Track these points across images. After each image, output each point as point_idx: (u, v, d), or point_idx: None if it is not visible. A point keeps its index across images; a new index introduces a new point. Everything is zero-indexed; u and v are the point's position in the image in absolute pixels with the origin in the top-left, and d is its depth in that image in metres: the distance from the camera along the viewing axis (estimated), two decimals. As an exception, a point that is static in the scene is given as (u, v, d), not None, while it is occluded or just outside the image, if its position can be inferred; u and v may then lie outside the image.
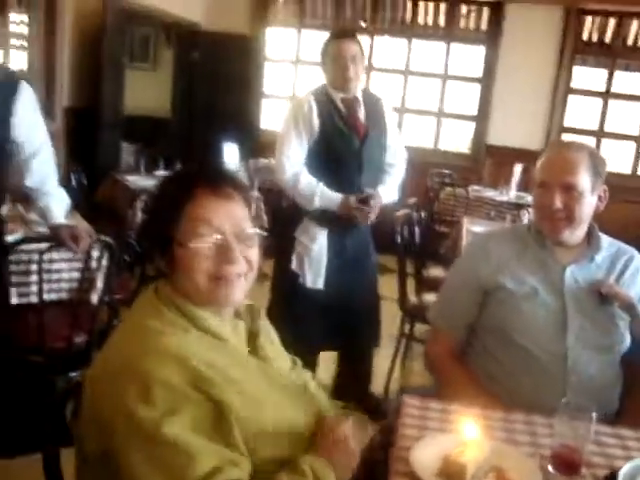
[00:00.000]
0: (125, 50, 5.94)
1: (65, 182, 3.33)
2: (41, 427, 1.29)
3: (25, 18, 5.00)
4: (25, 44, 5.04)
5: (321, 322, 2.97)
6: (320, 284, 2.92)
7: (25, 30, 5.05)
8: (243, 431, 1.13)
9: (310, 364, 3.08)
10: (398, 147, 3.10)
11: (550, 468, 1.30)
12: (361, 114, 2.93)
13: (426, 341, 2.10)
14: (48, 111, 5.08)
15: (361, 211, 2.83)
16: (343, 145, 2.87)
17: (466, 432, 1.27)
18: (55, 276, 2.82)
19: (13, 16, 4.98)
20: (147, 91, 7.83)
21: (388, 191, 3.00)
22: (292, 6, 7.23)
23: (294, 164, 2.88)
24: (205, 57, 7.16)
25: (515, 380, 1.79)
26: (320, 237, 2.91)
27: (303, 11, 7.17)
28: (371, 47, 7.02)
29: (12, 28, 5.02)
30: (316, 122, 2.86)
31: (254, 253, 1.26)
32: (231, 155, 5.58)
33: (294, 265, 2.96)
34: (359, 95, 2.93)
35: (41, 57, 4.99)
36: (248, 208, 1.28)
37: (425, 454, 1.28)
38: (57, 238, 2.53)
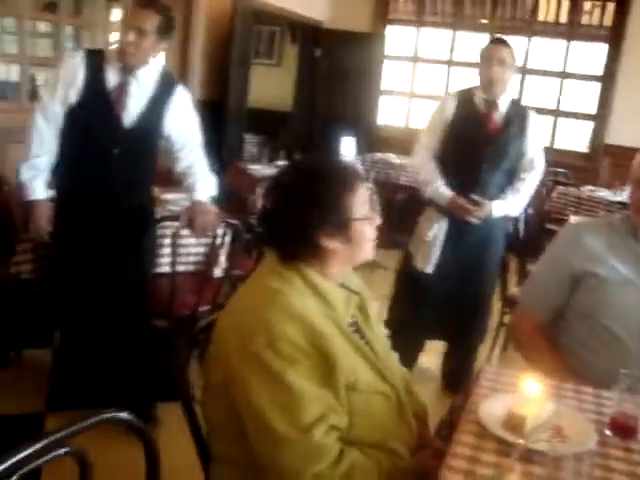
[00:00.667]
0: (251, 47, 6.32)
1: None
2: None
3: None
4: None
5: (430, 307, 3.13)
6: (429, 268, 3.09)
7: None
8: (344, 379, 1.35)
9: (415, 349, 3.32)
10: (536, 159, 3.15)
11: (607, 431, 1.46)
12: (498, 117, 3.07)
13: (513, 316, 2.25)
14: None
15: (466, 211, 3.00)
16: (470, 142, 3.03)
17: (529, 389, 1.44)
18: (184, 250, 3.19)
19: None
20: (271, 86, 8.26)
21: (505, 206, 3.09)
22: (412, 4, 7.39)
23: (424, 152, 3.13)
24: (327, 54, 7.50)
25: (598, 360, 1.89)
26: (438, 223, 3.09)
27: (422, 9, 7.31)
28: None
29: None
30: (449, 117, 3.08)
31: None
32: (348, 148, 5.83)
33: (410, 246, 3.19)
34: (503, 100, 3.06)
35: (177, 55, 5.48)
36: None
37: (492, 408, 1.47)
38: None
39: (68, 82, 2.63)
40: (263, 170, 5.08)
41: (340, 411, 1.34)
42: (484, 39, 7.13)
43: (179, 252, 3.15)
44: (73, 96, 2.64)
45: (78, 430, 1.08)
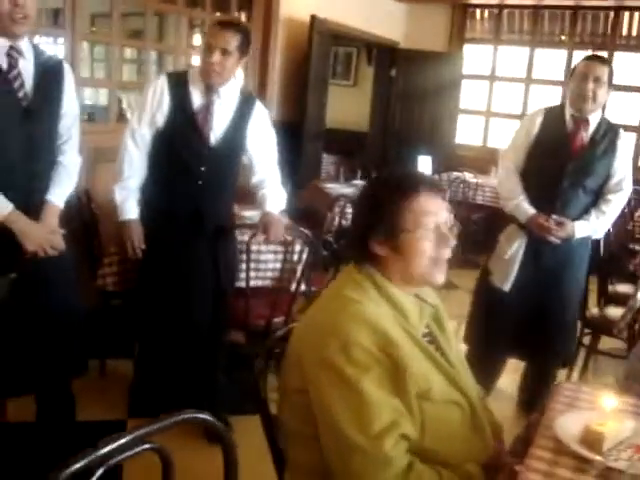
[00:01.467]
0: (329, 68, 6.43)
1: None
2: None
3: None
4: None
5: (508, 326, 3.07)
6: (507, 286, 3.04)
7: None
8: (415, 387, 1.37)
9: (495, 368, 3.27)
10: (624, 181, 3.04)
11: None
12: (585, 135, 2.98)
13: None
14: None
15: (547, 231, 2.93)
16: (553, 158, 2.97)
17: (607, 406, 1.41)
18: (262, 265, 3.28)
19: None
20: (348, 106, 8.35)
21: (588, 228, 3.00)
22: (489, 23, 7.35)
23: (507, 167, 3.10)
24: (402, 74, 7.54)
25: None
26: (518, 240, 3.03)
27: (500, 27, 7.26)
28: (569, 60, 6.93)
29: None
30: (535, 133, 3.03)
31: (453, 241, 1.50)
32: (424, 167, 5.83)
33: (489, 263, 3.17)
34: (594, 118, 2.98)
35: (256, 76, 5.64)
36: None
37: (569, 423, 1.45)
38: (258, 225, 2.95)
39: (155, 106, 2.75)
40: (340, 189, 5.16)
41: (411, 420, 1.35)
42: (563, 56, 7.03)
43: (258, 267, 3.26)
44: (160, 119, 2.76)
45: (160, 428, 1.13)
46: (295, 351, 1.46)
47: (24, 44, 2.23)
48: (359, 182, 5.72)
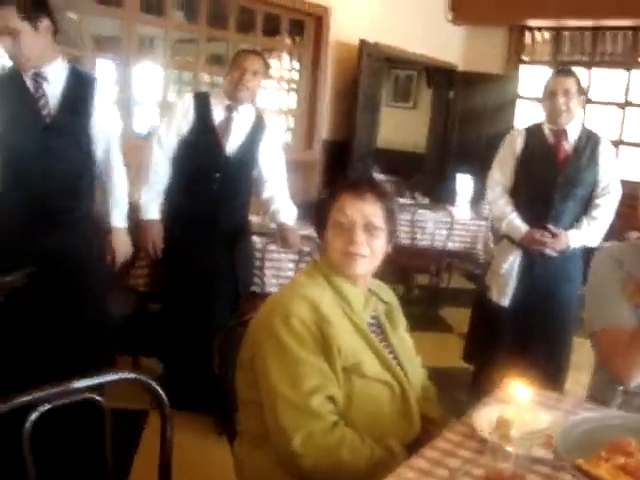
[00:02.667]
0: (381, 91, 6.60)
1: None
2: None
3: (296, 65, 5.97)
4: (295, 87, 6.01)
5: (507, 344, 3.11)
6: (505, 302, 3.10)
7: (296, 76, 6.02)
8: (343, 360, 1.54)
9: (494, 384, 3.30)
10: (611, 185, 3.08)
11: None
12: (568, 146, 3.07)
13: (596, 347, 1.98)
14: (308, 143, 5.98)
15: (543, 244, 3.00)
16: (540, 173, 3.06)
17: (519, 396, 1.50)
18: (282, 273, 3.51)
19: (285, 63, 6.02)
20: (407, 128, 8.50)
21: (582, 236, 3.05)
22: (548, 45, 7.35)
23: (496, 187, 3.19)
24: (460, 95, 7.63)
25: None
26: (512, 256, 3.11)
27: (559, 48, 7.25)
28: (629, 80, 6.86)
29: (285, 74, 6.05)
30: (519, 150, 3.13)
31: (378, 243, 1.66)
32: (464, 185, 5.82)
33: (486, 279, 3.24)
34: (572, 129, 3.07)
35: (306, 97, 5.90)
36: (383, 209, 1.67)
37: (488, 413, 1.55)
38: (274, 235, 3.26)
39: (181, 118, 3.09)
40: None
41: (336, 384, 1.53)
42: (622, 75, 6.95)
43: (279, 274, 3.49)
44: (185, 129, 3.09)
45: (96, 384, 1.35)
46: (251, 326, 1.66)
47: (50, 69, 2.54)
48: (405, 201, 5.84)
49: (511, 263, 3.09)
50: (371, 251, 1.65)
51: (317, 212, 1.76)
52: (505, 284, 3.09)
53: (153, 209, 3.14)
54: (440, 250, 5.06)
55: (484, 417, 1.55)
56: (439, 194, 6.42)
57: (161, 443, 1.47)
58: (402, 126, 8.56)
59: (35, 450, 1.29)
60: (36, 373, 2.30)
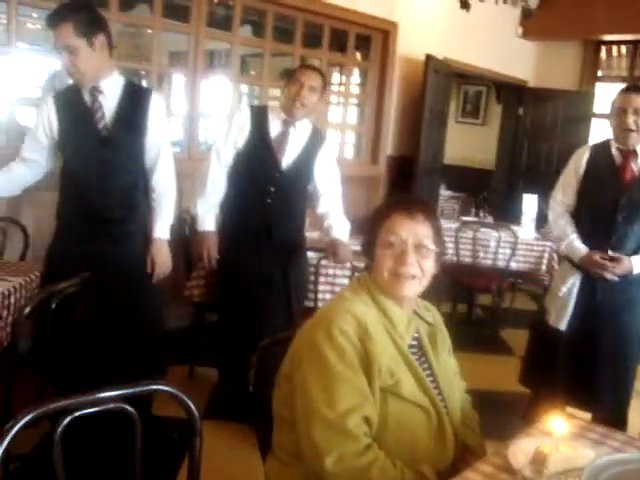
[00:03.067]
0: (446, 105, 6.52)
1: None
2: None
3: (362, 80, 5.99)
4: (360, 102, 6.02)
5: (564, 369, 2.98)
6: (562, 325, 2.97)
7: (361, 90, 6.03)
8: (381, 379, 1.52)
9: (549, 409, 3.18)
10: None
11: None
12: (636, 167, 2.90)
13: None
14: (374, 158, 5.97)
15: (603, 268, 2.85)
16: (603, 193, 2.92)
17: (555, 429, 1.45)
18: (337, 288, 3.50)
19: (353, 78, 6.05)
20: (476, 144, 8.39)
21: None
22: (625, 60, 7.12)
23: (558, 207, 3.08)
24: (530, 112, 7.48)
25: None
26: (572, 278, 2.98)
27: (637, 63, 7.01)
28: None
29: (352, 89, 6.07)
30: (582, 169, 2.98)
31: (428, 264, 1.64)
32: (530, 205, 5.63)
33: (545, 301, 3.13)
34: None
35: (372, 112, 5.89)
36: (432, 229, 1.66)
37: (525, 445, 1.50)
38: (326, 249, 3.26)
39: (237, 131, 3.14)
40: (443, 224, 5.20)
41: (373, 405, 1.50)
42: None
43: (334, 290, 3.49)
44: (241, 142, 3.13)
45: (128, 394, 1.37)
46: (295, 340, 1.66)
47: (106, 83, 2.65)
48: (468, 218, 5.75)
49: (570, 286, 2.97)
50: (421, 272, 1.63)
51: (367, 230, 1.73)
52: (563, 307, 2.98)
53: (209, 221, 3.19)
54: (502, 270, 4.94)
55: (522, 449, 1.49)
56: (506, 212, 6.29)
57: (190, 456, 1.48)
58: (471, 142, 8.46)
59: (71, 457, 1.32)
60: (85, 378, 2.38)
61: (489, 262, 4.97)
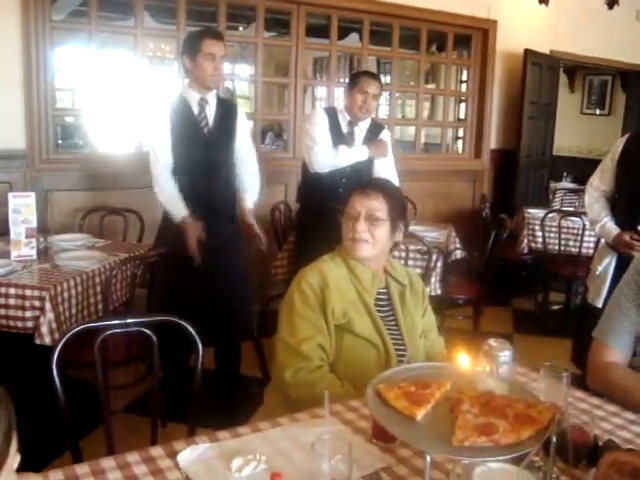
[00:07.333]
0: (554, 98, 6.52)
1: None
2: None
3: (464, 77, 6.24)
4: (463, 98, 6.27)
5: None
6: (599, 303, 3.14)
7: (463, 88, 6.27)
8: (335, 317, 1.93)
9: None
10: None
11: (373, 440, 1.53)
12: None
13: (590, 355, 2.05)
14: (477, 152, 6.18)
15: (631, 247, 3.01)
16: (636, 177, 3.07)
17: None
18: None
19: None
20: (601, 136, 8.22)
21: None
22: None
23: (594, 192, 3.28)
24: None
25: None
26: (607, 258, 3.18)
27: None
28: None
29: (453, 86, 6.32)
30: (618, 155, 3.18)
31: (379, 231, 2.02)
32: None
33: (587, 281, 3.33)
34: None
35: (474, 108, 6.11)
36: (387, 205, 2.03)
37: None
38: None
39: (325, 127, 3.68)
40: (536, 214, 5.31)
41: (327, 336, 1.93)
42: None
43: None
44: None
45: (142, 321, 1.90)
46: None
47: (210, 96, 3.35)
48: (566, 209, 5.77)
49: (606, 265, 3.14)
50: (372, 237, 2.01)
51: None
52: (600, 286, 3.15)
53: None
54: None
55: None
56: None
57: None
58: (596, 133, 8.30)
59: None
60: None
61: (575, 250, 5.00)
